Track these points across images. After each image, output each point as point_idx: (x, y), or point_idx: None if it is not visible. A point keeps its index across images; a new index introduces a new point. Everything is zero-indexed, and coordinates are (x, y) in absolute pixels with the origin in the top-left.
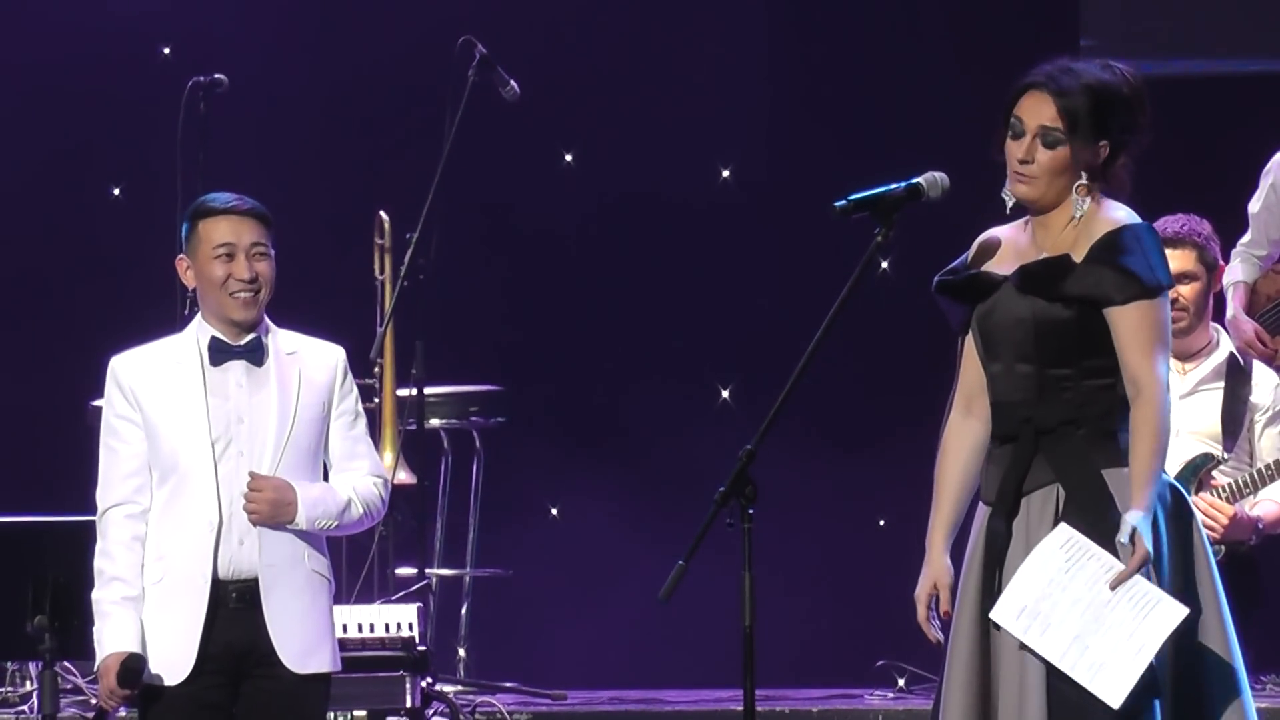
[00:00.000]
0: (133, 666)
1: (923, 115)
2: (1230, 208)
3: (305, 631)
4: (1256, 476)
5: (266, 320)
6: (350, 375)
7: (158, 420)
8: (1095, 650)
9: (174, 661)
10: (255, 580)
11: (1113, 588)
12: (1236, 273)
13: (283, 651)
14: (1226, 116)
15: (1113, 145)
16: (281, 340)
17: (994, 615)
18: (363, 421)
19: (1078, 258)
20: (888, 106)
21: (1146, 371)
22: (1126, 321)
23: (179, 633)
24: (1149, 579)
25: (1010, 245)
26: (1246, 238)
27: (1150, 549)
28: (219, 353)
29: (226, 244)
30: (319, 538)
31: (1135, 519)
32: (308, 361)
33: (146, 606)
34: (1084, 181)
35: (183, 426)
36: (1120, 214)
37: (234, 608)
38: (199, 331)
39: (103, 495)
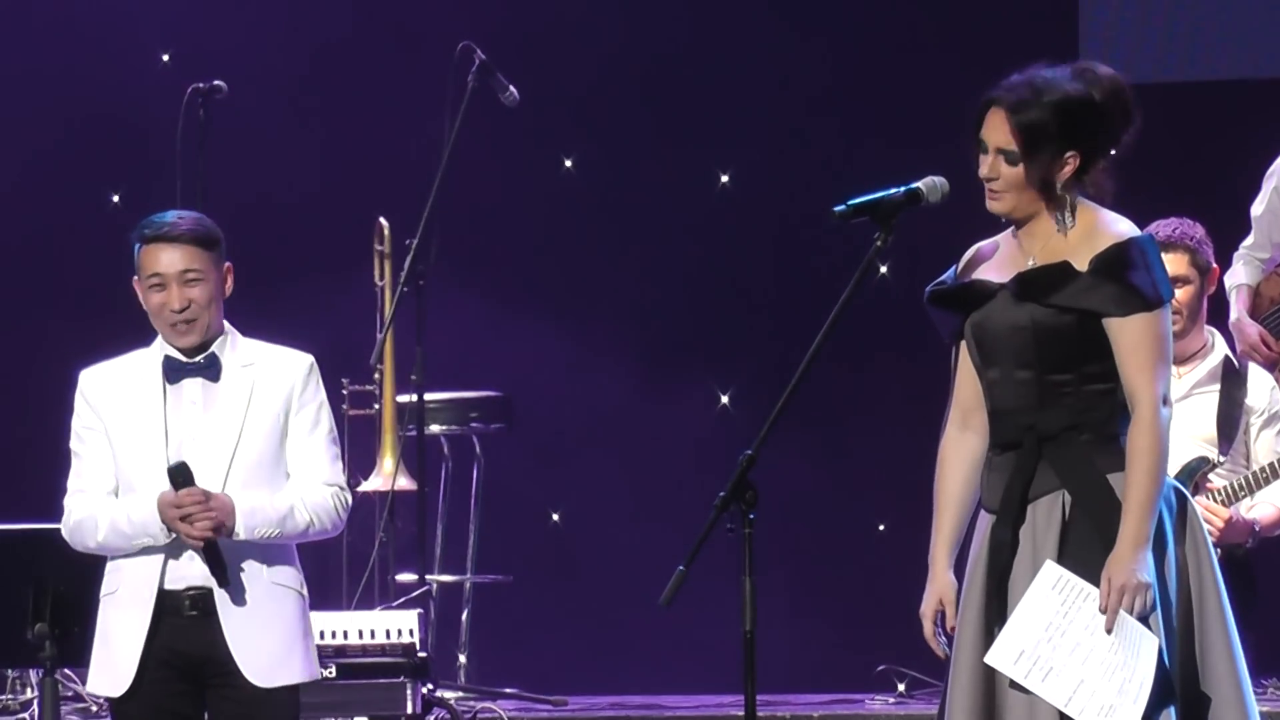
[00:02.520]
0: (175, 472)
1: (922, 120)
2: (1231, 211)
3: (268, 644)
4: (1252, 479)
5: (229, 332)
6: (316, 382)
7: (117, 436)
8: (1102, 694)
9: (116, 674)
10: (210, 590)
11: (1109, 630)
12: (1239, 275)
13: (245, 666)
14: (1226, 121)
15: (1084, 153)
16: (243, 352)
17: (989, 659)
18: (323, 429)
19: (1078, 265)
20: (887, 112)
21: (1144, 387)
22: (1127, 335)
23: (122, 645)
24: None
25: (1000, 254)
26: (1249, 240)
27: (1148, 579)
28: (174, 371)
29: (156, 274)
30: (284, 549)
31: (1127, 558)
32: (265, 372)
33: (99, 617)
34: (1063, 194)
35: (139, 444)
36: (1123, 226)
37: (188, 615)
38: (160, 348)
39: (70, 493)
